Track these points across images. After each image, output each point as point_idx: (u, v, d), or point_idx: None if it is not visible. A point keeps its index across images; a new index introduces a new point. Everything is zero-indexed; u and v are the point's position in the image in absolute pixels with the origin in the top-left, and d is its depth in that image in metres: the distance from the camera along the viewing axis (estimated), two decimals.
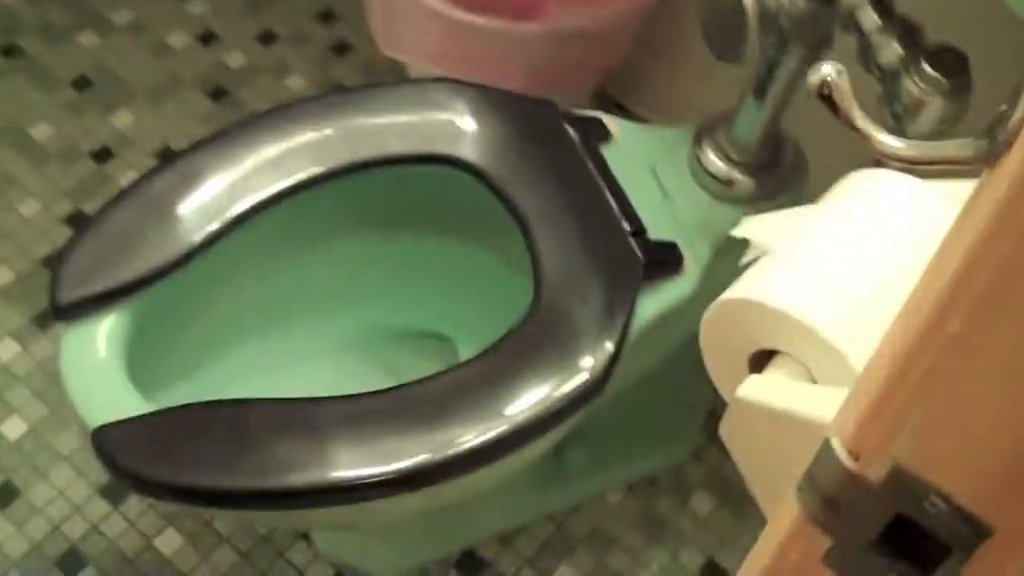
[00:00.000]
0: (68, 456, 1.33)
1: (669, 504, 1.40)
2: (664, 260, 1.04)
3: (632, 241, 1.04)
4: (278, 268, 1.14)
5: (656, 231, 1.06)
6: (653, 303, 1.04)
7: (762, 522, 0.49)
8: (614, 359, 0.98)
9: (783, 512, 0.42)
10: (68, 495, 1.31)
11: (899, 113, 0.87)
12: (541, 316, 0.99)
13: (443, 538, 1.33)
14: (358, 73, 1.70)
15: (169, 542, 1.29)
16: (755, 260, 0.63)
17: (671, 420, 1.39)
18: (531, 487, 1.30)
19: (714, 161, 1.11)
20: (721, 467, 1.41)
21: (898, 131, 0.88)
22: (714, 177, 1.11)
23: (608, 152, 1.11)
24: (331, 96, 1.11)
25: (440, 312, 1.25)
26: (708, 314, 0.63)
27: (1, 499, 1.30)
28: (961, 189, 0.63)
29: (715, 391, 0.69)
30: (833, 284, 0.58)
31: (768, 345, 0.60)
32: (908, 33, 0.88)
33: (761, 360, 0.61)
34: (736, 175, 1.10)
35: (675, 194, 1.10)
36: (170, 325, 1.05)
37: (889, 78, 0.87)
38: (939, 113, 0.85)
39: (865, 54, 0.89)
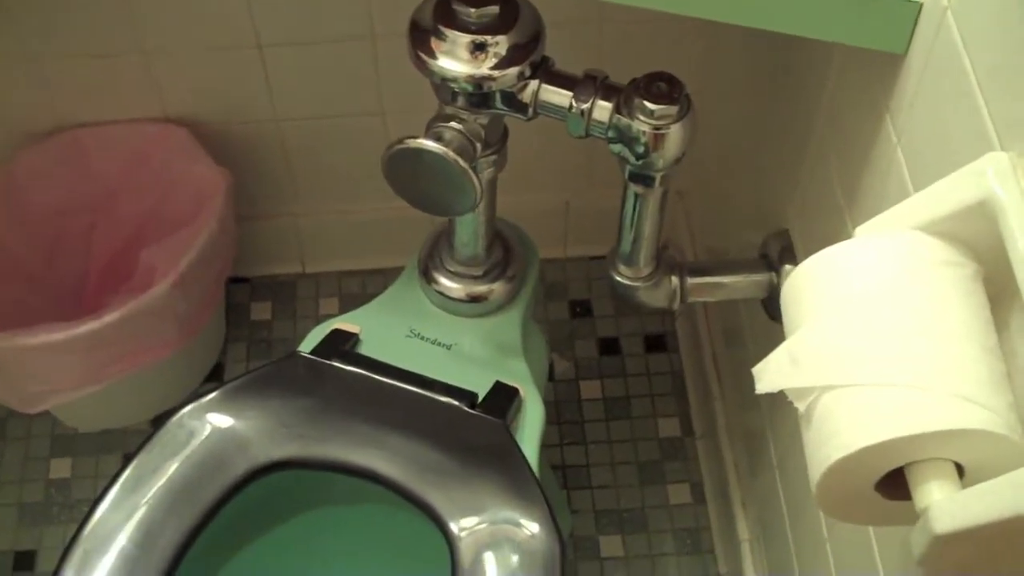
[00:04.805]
0: None
1: None
2: (506, 404, 1.00)
3: (476, 412, 0.99)
4: None
5: (473, 385, 1.01)
6: (530, 444, 1.00)
7: None
8: (552, 518, 0.94)
9: None
10: None
11: (643, 153, 0.87)
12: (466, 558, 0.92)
13: None
14: None
15: None
16: (814, 400, 0.61)
17: None
18: None
19: (457, 288, 1.07)
20: None
21: (648, 166, 0.88)
22: (468, 300, 1.07)
23: (368, 349, 1.04)
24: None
25: None
26: (824, 477, 0.60)
27: None
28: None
29: None
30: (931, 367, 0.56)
31: (898, 464, 0.59)
32: (600, 84, 0.88)
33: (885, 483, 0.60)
34: (484, 287, 1.07)
35: (451, 340, 1.06)
36: None
37: (616, 131, 0.87)
38: (681, 135, 0.86)
39: (577, 124, 0.88)
